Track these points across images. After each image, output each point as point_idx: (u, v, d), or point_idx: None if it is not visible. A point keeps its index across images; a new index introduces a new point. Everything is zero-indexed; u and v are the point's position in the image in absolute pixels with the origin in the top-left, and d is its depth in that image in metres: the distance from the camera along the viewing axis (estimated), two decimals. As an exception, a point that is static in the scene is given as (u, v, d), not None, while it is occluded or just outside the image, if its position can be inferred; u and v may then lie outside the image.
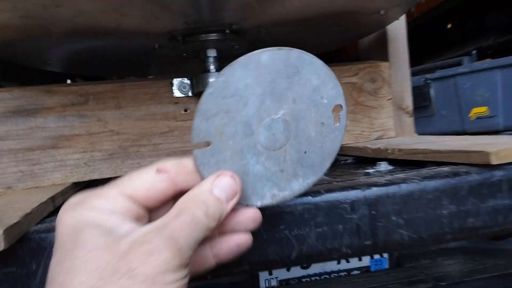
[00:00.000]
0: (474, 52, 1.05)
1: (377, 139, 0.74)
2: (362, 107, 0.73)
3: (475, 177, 0.40)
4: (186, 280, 0.25)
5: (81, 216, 0.26)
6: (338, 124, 0.32)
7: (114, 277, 0.23)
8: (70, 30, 0.50)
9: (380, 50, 0.78)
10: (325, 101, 0.30)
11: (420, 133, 0.81)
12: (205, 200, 0.27)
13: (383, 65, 0.75)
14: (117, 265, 0.23)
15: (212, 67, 0.61)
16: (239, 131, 0.28)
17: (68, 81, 1.30)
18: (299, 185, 0.32)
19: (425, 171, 0.42)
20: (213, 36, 0.57)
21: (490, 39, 1.40)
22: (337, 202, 0.37)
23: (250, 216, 0.30)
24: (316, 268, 0.94)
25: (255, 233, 0.36)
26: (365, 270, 0.97)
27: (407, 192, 0.38)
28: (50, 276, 0.25)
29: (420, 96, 0.96)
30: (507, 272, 0.91)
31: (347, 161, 0.67)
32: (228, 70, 0.27)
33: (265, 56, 0.27)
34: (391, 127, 0.75)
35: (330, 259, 0.38)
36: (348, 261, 0.95)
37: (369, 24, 0.68)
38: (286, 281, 0.93)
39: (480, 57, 1.21)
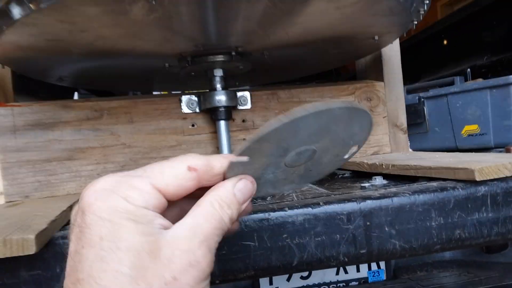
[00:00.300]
0: (468, 70, 1.10)
1: (373, 154, 0.78)
2: (359, 124, 0.77)
3: (461, 192, 0.44)
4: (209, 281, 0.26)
5: (116, 206, 0.25)
6: (346, 157, 0.35)
7: (155, 282, 0.24)
8: (89, 52, 0.55)
9: (375, 70, 0.82)
10: (351, 142, 0.33)
11: (415, 149, 0.85)
12: (230, 203, 0.28)
13: (378, 84, 0.79)
14: (159, 271, 0.24)
15: (218, 85, 0.65)
16: (275, 153, 0.30)
17: (75, 94, 1.34)
18: (289, 188, 0.36)
19: (415, 186, 0.46)
20: (220, 58, 0.62)
21: (484, 57, 1.46)
22: (335, 214, 0.41)
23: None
24: (315, 278, 0.97)
25: (260, 241, 0.40)
26: (363, 281, 1.00)
27: (399, 205, 0.42)
28: (72, 264, 0.25)
29: (415, 114, 1.01)
30: (502, 285, 0.94)
31: (345, 175, 0.71)
32: (300, 113, 0.28)
33: (339, 111, 0.29)
34: (387, 143, 0.79)
35: (329, 266, 0.41)
36: (346, 272, 0.98)
37: (365, 47, 0.73)
38: (286, 292, 0.95)
39: (474, 75, 1.26)
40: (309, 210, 0.41)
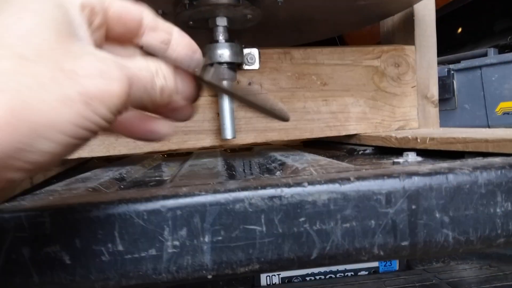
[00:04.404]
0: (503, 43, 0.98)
1: (398, 129, 0.68)
2: (384, 93, 0.67)
3: (533, 170, 0.33)
4: (97, 129, 0.19)
5: None
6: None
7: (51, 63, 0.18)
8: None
9: (405, 33, 0.71)
10: None
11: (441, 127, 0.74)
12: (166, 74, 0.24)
13: (409, 48, 0.68)
14: (60, 56, 0.18)
15: (221, 37, 0.54)
16: None
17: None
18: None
19: (472, 161, 0.35)
20: (224, 0, 0.50)
21: (507, 37, 1.33)
22: (370, 193, 0.31)
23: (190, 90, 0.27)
24: (321, 266, 0.87)
25: (268, 226, 0.30)
26: (373, 271, 0.90)
27: (456, 184, 0.31)
28: None
29: (442, 88, 0.89)
30: (531, 281, 0.85)
31: (366, 151, 0.61)
32: None
33: None
34: (414, 117, 0.68)
35: (358, 260, 0.32)
36: (355, 261, 0.89)
37: (397, 0, 0.61)
38: (289, 279, 0.87)
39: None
40: (336, 186, 0.31)
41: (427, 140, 0.48)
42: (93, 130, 0.19)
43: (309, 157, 0.54)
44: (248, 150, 0.79)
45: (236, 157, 0.67)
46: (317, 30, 0.75)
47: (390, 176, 0.32)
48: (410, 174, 0.32)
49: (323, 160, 0.49)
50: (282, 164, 0.50)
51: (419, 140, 0.49)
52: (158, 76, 0.23)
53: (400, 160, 0.44)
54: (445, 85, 0.88)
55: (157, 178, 0.50)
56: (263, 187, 0.31)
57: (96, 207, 0.29)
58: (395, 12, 0.69)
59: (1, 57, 0.17)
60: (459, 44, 1.47)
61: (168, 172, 0.57)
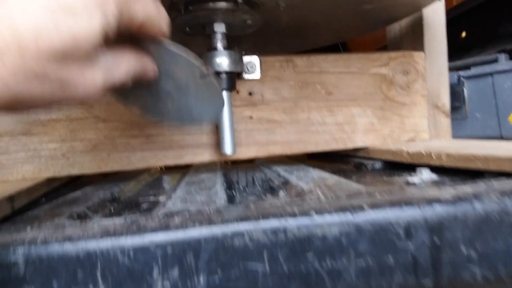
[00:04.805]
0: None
1: (408, 141, 0.64)
2: (392, 103, 0.63)
3: None
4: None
5: None
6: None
7: None
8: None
9: (413, 39, 0.67)
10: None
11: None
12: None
13: (418, 55, 0.64)
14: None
15: (219, 44, 0.50)
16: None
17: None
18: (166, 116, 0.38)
19: (498, 184, 0.31)
20: (222, 5, 0.47)
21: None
22: (387, 224, 0.27)
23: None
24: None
25: (272, 264, 0.26)
26: None
27: (483, 213, 0.28)
28: None
29: (452, 96, 0.85)
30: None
31: (375, 166, 0.57)
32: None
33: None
34: (425, 128, 0.65)
35: (374, 302, 0.28)
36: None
37: (405, 4, 0.58)
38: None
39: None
40: (348, 217, 0.27)
41: (443, 157, 0.44)
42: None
43: (315, 173, 0.50)
44: (249, 161, 0.75)
45: (237, 171, 0.63)
46: (321, 36, 0.72)
47: (408, 203, 0.28)
48: (431, 201, 0.28)
49: (329, 178, 0.46)
50: (286, 182, 0.47)
51: (433, 156, 0.46)
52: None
53: (415, 179, 0.40)
54: (455, 93, 0.85)
55: (151, 198, 0.47)
56: (265, 217, 0.27)
57: (76, 243, 0.26)
58: (403, 16, 0.66)
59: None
60: (464, 49, 1.43)
61: (164, 189, 0.53)
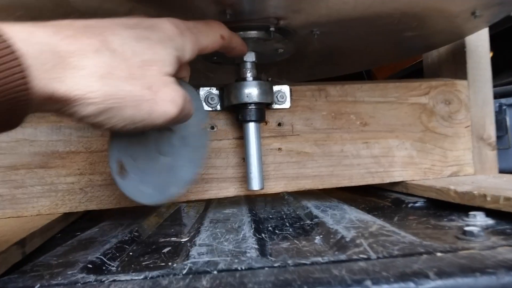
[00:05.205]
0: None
1: (450, 176, 0.59)
2: (434, 134, 0.58)
3: None
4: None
5: None
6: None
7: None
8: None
9: (454, 66, 0.63)
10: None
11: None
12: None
13: (461, 83, 0.60)
14: (157, 83, 0.28)
15: (249, 74, 0.47)
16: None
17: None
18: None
19: None
20: (252, 34, 0.44)
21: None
22: (458, 297, 0.22)
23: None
24: None
25: None
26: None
27: None
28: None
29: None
30: None
31: (416, 204, 0.52)
32: None
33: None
34: (469, 161, 0.59)
35: None
36: None
37: (449, 32, 0.54)
38: None
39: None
40: (410, 286, 0.22)
41: (501, 200, 0.39)
42: (142, 130, 0.28)
43: (352, 214, 0.45)
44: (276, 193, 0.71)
45: (263, 204, 0.59)
46: (352, 62, 0.68)
47: (483, 271, 0.23)
48: (510, 268, 0.23)
49: (370, 220, 0.41)
50: (320, 224, 0.42)
51: (488, 198, 0.40)
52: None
53: (472, 228, 0.35)
54: (497, 122, 0.79)
55: (173, 238, 0.43)
56: (310, 285, 0.23)
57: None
58: (444, 44, 0.62)
59: (121, 69, 0.26)
60: (493, 72, 1.36)
61: (186, 226, 0.49)
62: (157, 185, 0.36)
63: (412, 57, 0.69)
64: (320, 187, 0.55)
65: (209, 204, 0.61)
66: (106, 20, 0.26)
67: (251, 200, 0.63)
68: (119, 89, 0.25)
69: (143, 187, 0.35)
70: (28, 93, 0.21)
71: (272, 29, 0.44)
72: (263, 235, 0.41)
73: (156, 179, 0.36)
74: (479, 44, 0.60)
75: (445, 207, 0.49)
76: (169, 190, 0.36)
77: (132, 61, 0.26)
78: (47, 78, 0.22)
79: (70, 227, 0.50)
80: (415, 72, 0.88)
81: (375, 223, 0.40)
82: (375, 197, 0.60)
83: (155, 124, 0.28)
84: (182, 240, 0.42)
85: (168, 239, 0.43)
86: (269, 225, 0.46)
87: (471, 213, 0.41)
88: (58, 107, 0.24)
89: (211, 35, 0.34)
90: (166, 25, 0.29)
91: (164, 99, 0.27)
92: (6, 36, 0.20)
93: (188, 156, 0.38)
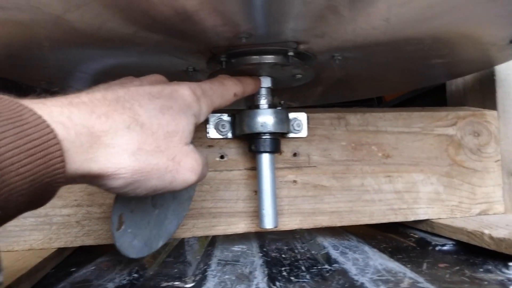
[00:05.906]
0: None
1: (479, 214, 0.54)
2: (461, 169, 0.53)
3: None
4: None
5: None
6: None
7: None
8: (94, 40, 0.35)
9: (482, 95, 0.59)
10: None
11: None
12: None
13: (490, 114, 0.55)
14: (178, 154, 0.29)
15: (263, 101, 0.44)
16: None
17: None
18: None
19: None
20: (269, 59, 0.40)
21: None
22: None
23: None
24: None
25: None
26: None
27: None
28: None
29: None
30: None
31: (445, 248, 0.47)
32: None
33: None
34: (499, 199, 0.54)
35: None
36: None
37: (479, 61, 0.50)
38: None
39: None
40: None
41: (550, 252, 0.34)
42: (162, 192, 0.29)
43: (376, 260, 0.41)
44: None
45: (276, 244, 0.54)
46: (372, 88, 0.64)
47: None
48: None
49: (400, 271, 0.36)
50: (342, 272, 0.37)
51: (534, 249, 0.36)
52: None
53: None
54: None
55: (176, 282, 0.38)
56: None
57: None
58: (469, 73, 0.58)
59: (144, 143, 0.27)
60: None
61: (191, 266, 0.45)
62: (148, 239, 0.35)
63: (434, 84, 0.65)
64: (338, 224, 0.50)
65: (215, 236, 0.57)
66: (134, 90, 0.28)
67: (261, 234, 0.58)
68: (147, 163, 0.26)
69: (136, 241, 0.34)
70: (64, 176, 0.22)
71: (290, 53, 0.40)
72: (278, 283, 0.36)
73: (148, 232, 0.35)
74: (509, 72, 0.56)
75: (476, 252, 0.44)
76: (157, 243, 0.37)
77: (158, 134, 0.27)
78: (82, 159, 0.23)
79: (64, 261, 0.46)
80: (422, 95, 0.84)
81: (405, 275, 0.35)
82: (397, 235, 0.55)
83: (174, 190, 0.29)
84: (186, 286, 0.37)
85: (171, 284, 0.38)
86: (283, 269, 0.41)
87: (510, 264, 0.36)
88: (87, 181, 0.25)
89: (225, 96, 0.36)
90: (185, 92, 0.30)
91: (185, 168, 0.29)
92: (48, 122, 0.21)
93: (174, 208, 0.38)
